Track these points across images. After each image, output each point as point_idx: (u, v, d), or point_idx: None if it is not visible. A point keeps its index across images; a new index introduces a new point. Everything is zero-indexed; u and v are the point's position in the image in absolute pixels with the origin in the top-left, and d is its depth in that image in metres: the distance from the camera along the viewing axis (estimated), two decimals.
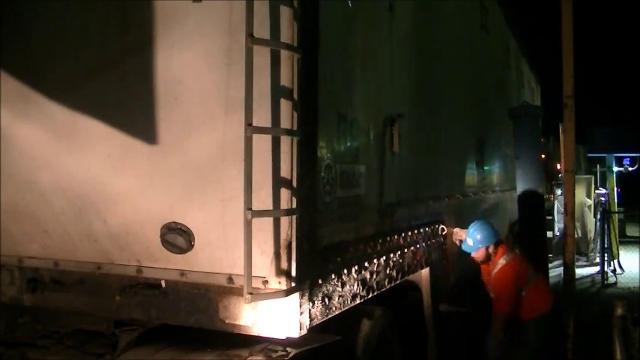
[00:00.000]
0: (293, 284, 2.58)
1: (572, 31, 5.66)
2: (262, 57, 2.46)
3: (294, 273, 2.57)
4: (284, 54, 2.50)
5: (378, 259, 3.47)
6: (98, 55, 2.79)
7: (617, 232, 12.43)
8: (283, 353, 2.75)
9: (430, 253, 4.49)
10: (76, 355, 3.21)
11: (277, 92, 2.51)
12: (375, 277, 3.41)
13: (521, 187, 6.88)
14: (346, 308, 3.09)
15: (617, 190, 15.01)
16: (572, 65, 5.62)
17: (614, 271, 11.22)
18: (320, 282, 2.80)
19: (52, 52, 2.87)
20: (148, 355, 2.93)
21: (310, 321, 2.72)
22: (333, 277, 2.92)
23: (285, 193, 2.53)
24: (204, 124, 2.60)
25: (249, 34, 2.40)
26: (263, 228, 2.52)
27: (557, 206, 12.52)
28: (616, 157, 15.19)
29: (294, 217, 2.55)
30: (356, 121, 3.20)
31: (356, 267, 3.16)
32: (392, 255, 3.68)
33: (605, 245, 11.08)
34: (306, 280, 2.67)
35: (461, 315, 5.08)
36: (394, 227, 3.79)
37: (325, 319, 2.87)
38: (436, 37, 4.92)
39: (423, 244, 4.33)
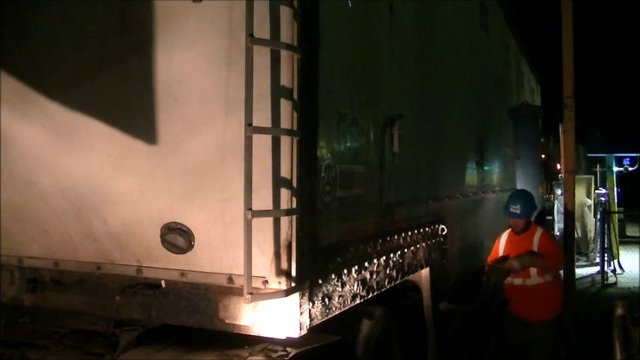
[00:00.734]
0: (293, 284, 2.57)
1: (572, 31, 5.66)
2: (262, 57, 2.46)
3: (294, 273, 2.57)
4: (284, 54, 2.50)
5: (378, 259, 3.47)
6: (98, 55, 2.78)
7: (617, 232, 12.45)
8: (283, 353, 2.75)
9: (430, 253, 4.49)
10: (76, 355, 3.21)
11: (277, 92, 2.51)
12: (375, 277, 3.41)
13: (521, 187, 6.88)
14: (346, 308, 3.09)
15: (617, 190, 15.03)
16: (572, 65, 5.63)
17: (614, 271, 11.23)
18: (320, 282, 2.80)
19: (52, 52, 2.87)
20: (147, 355, 2.93)
21: (310, 321, 2.72)
22: (333, 277, 2.92)
23: (285, 193, 2.53)
24: (205, 124, 2.60)
25: (249, 34, 2.40)
26: (263, 228, 2.52)
27: (557, 206, 12.52)
28: (616, 157, 15.21)
29: (294, 217, 2.55)
30: (356, 121, 3.20)
31: (356, 267, 3.16)
32: (392, 255, 3.68)
33: (605, 245, 11.09)
34: (306, 280, 2.67)
35: (461, 315, 5.08)
36: (394, 227, 3.79)
37: (325, 319, 2.87)
38: (436, 37, 4.92)
39: (423, 244, 4.33)
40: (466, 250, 6.11)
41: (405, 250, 3.93)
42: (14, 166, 2.98)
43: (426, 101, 4.62)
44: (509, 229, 5.05)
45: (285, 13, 2.51)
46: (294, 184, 2.54)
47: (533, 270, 4.72)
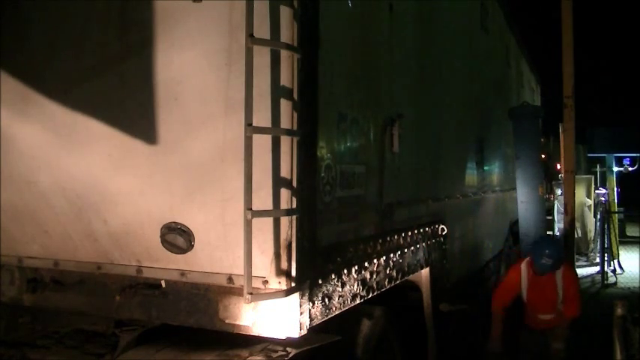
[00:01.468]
0: (293, 284, 2.57)
1: (572, 31, 5.66)
2: (262, 57, 2.46)
3: (294, 273, 2.57)
4: (284, 54, 2.50)
5: (378, 259, 3.47)
6: (98, 55, 2.79)
7: (617, 232, 12.44)
8: (283, 353, 2.75)
9: (430, 253, 4.49)
10: (76, 355, 3.20)
11: (277, 92, 2.51)
12: (375, 277, 3.41)
13: (521, 187, 6.88)
14: (346, 308, 3.09)
15: (617, 190, 15.02)
16: (572, 65, 5.63)
17: (614, 271, 11.23)
18: (320, 282, 2.80)
19: (52, 52, 2.87)
20: (147, 355, 2.93)
21: (310, 321, 2.72)
22: (333, 277, 2.92)
23: (285, 193, 2.53)
24: (204, 124, 2.60)
25: (249, 34, 2.40)
26: (263, 228, 2.52)
27: (557, 206, 12.52)
28: (616, 157, 15.21)
29: (294, 217, 2.55)
30: (356, 121, 3.20)
31: (356, 267, 3.16)
32: (392, 255, 3.68)
33: (605, 245, 11.09)
34: (306, 280, 2.67)
35: (461, 315, 5.09)
36: (394, 227, 3.79)
37: (325, 319, 2.87)
38: (436, 37, 4.92)
39: (423, 244, 4.33)
40: (466, 250, 6.11)
41: (405, 250, 3.93)
42: (14, 166, 2.98)
43: (426, 101, 4.62)
44: (525, 263, 4.94)
45: (285, 13, 2.51)
46: (294, 184, 2.54)
47: (559, 298, 4.77)
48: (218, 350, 2.84)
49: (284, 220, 2.54)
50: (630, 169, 15.34)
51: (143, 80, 2.66)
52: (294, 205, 2.55)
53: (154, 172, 2.71)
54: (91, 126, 2.77)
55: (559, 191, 12.13)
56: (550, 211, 12.61)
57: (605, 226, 11.21)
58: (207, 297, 2.79)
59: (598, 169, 16.10)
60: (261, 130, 2.45)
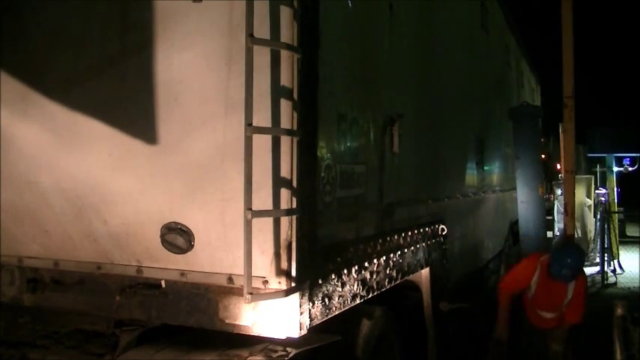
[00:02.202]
0: (293, 284, 2.57)
1: (572, 31, 5.66)
2: (262, 57, 2.46)
3: (294, 273, 2.57)
4: (284, 54, 2.50)
5: (378, 259, 3.47)
6: (98, 55, 2.79)
7: (617, 232, 12.44)
8: (283, 353, 2.75)
9: (430, 253, 4.49)
10: (76, 355, 3.20)
11: (277, 92, 2.51)
12: (375, 277, 3.41)
13: (521, 187, 6.88)
14: (346, 308, 3.09)
15: (617, 190, 15.02)
16: (572, 65, 5.62)
17: (614, 271, 11.23)
18: (320, 282, 2.80)
19: (52, 52, 2.87)
20: (147, 355, 2.93)
21: (310, 321, 2.72)
22: (333, 277, 2.92)
23: (285, 193, 2.53)
24: (205, 124, 2.60)
25: (249, 34, 2.40)
26: (263, 228, 2.52)
27: (557, 206, 12.52)
28: (616, 157, 15.20)
29: (294, 217, 2.55)
30: (356, 121, 3.20)
31: (356, 267, 3.16)
32: (392, 255, 3.68)
33: (605, 245, 11.08)
34: (306, 280, 2.67)
35: (461, 314, 5.09)
36: (394, 227, 3.79)
37: (325, 319, 2.87)
38: (436, 37, 4.92)
39: (423, 244, 4.33)
40: (466, 250, 6.12)
41: (405, 250, 3.93)
42: (14, 166, 2.98)
43: (426, 101, 4.62)
44: (542, 261, 4.77)
45: (285, 13, 2.51)
46: (294, 184, 2.54)
47: (566, 301, 4.72)
48: (218, 350, 2.84)
49: (284, 220, 2.54)
50: (630, 169, 15.33)
51: (143, 80, 2.66)
52: (294, 205, 2.55)
53: (154, 172, 2.71)
54: (91, 126, 2.77)
55: (559, 191, 12.13)
56: (550, 211, 12.61)
57: (605, 226, 11.20)
58: (207, 297, 2.79)
59: (598, 169, 16.09)
60: (261, 130, 2.45)
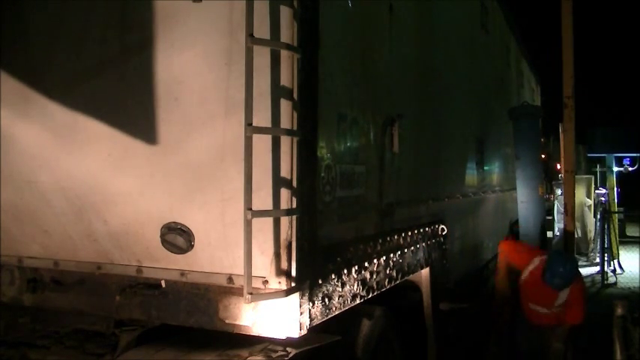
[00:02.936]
0: (293, 284, 2.57)
1: (572, 31, 5.66)
2: (262, 57, 2.46)
3: (294, 273, 2.57)
4: (284, 54, 2.50)
5: (378, 259, 3.47)
6: (98, 54, 2.79)
7: (617, 232, 12.42)
8: (283, 353, 2.75)
9: (430, 253, 4.49)
10: (76, 355, 3.20)
11: (277, 92, 2.51)
12: (375, 277, 3.41)
13: (521, 187, 6.89)
14: (346, 308, 3.09)
15: (617, 190, 15.01)
16: (572, 65, 5.63)
17: (614, 271, 11.22)
18: (320, 282, 2.80)
19: (52, 52, 2.87)
20: (147, 355, 2.93)
21: (310, 321, 2.72)
22: (333, 277, 2.92)
23: (285, 193, 2.53)
24: (205, 124, 2.60)
25: (249, 34, 2.40)
26: (263, 228, 2.52)
27: (557, 206, 12.52)
28: (616, 157, 15.18)
29: (294, 217, 2.55)
30: (356, 121, 3.20)
31: (356, 267, 3.16)
32: (392, 255, 3.68)
33: (605, 245, 11.08)
34: (306, 280, 2.67)
35: (461, 314, 5.09)
36: (394, 227, 3.79)
37: (325, 319, 2.87)
38: (436, 37, 4.92)
39: (423, 244, 4.33)
40: (466, 250, 6.12)
41: (405, 250, 3.93)
42: (14, 166, 2.98)
43: (426, 101, 4.62)
44: (541, 260, 4.75)
45: (285, 13, 2.51)
46: (294, 184, 2.54)
47: (558, 302, 4.67)
48: (218, 350, 2.84)
49: (284, 220, 2.54)
50: (630, 169, 15.31)
51: (143, 80, 2.66)
52: (294, 205, 2.55)
53: (154, 172, 2.71)
54: (91, 126, 2.77)
55: (559, 191, 12.13)
56: (550, 211, 12.61)
57: (605, 226, 11.19)
58: (207, 297, 2.79)
59: (598, 169, 16.09)
60: (261, 130, 2.45)
